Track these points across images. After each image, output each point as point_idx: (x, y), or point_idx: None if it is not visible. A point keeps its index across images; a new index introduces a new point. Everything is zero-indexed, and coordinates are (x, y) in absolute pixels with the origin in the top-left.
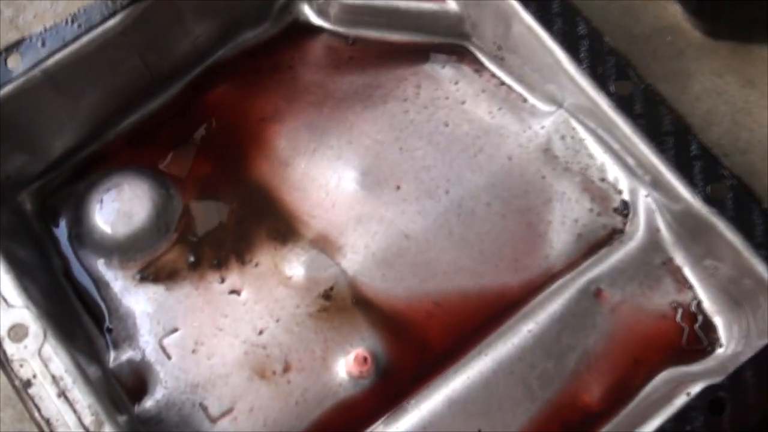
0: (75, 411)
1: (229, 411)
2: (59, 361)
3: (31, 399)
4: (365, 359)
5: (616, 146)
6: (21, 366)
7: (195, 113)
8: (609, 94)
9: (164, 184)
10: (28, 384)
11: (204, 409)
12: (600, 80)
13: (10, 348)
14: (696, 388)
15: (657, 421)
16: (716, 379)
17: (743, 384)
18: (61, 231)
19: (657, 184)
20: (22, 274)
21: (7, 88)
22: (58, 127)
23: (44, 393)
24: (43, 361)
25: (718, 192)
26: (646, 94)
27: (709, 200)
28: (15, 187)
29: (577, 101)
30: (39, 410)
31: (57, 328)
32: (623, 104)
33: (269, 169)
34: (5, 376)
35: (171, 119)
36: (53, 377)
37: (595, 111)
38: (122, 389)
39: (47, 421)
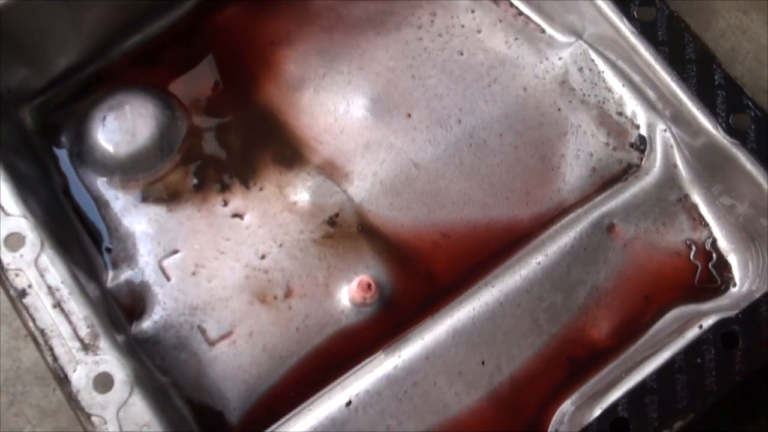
0: (70, 322)
1: (228, 334)
2: (56, 272)
3: (26, 309)
4: (369, 285)
5: (636, 78)
6: (16, 275)
7: (202, 35)
8: (631, 20)
9: (169, 105)
10: (23, 294)
11: (202, 331)
12: (622, 5)
13: (6, 257)
14: (709, 322)
15: (668, 353)
16: (729, 314)
17: (758, 319)
18: (62, 149)
19: (677, 116)
20: (21, 185)
21: None
22: (62, 40)
23: (39, 303)
24: (39, 271)
25: (741, 123)
26: (670, 21)
27: (731, 131)
28: (16, 101)
29: (597, 30)
30: (33, 320)
31: (55, 240)
32: (646, 31)
33: (277, 93)
34: (0, 286)
35: (178, 40)
36: (49, 288)
37: (616, 39)
38: (120, 309)
39: (42, 332)
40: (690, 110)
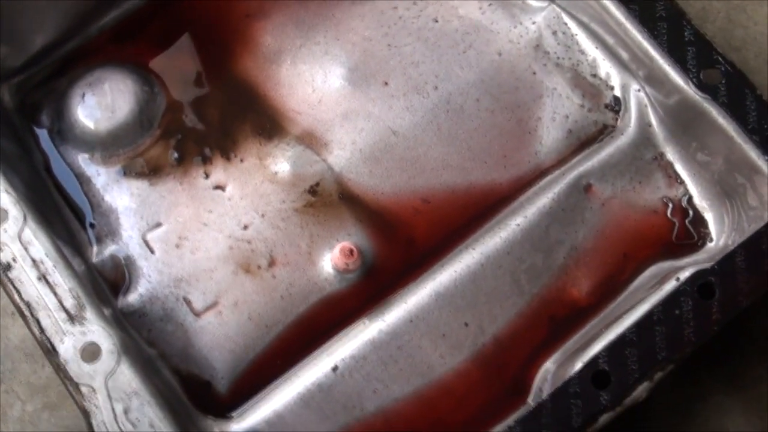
0: (56, 294)
1: (214, 305)
2: (39, 245)
3: (11, 282)
4: (351, 251)
5: (609, 40)
6: (0, 250)
7: (179, 10)
8: None
9: (148, 80)
10: (7, 267)
11: (188, 303)
12: None
13: None
14: (686, 274)
15: (646, 306)
16: (706, 265)
17: (733, 269)
18: (42, 127)
19: (650, 76)
20: (2, 161)
21: None
22: (39, 18)
23: (24, 276)
24: (23, 244)
25: (711, 78)
26: None
27: (702, 86)
28: None
29: None
30: (19, 294)
31: (38, 214)
32: None
33: (254, 65)
34: None
35: (154, 16)
36: (33, 261)
37: (588, 1)
38: (105, 283)
39: (28, 305)
40: (662, 67)
